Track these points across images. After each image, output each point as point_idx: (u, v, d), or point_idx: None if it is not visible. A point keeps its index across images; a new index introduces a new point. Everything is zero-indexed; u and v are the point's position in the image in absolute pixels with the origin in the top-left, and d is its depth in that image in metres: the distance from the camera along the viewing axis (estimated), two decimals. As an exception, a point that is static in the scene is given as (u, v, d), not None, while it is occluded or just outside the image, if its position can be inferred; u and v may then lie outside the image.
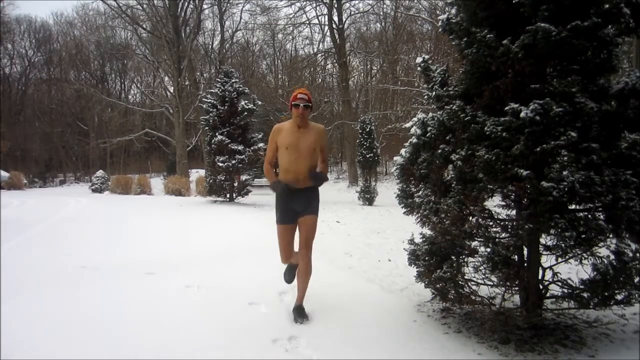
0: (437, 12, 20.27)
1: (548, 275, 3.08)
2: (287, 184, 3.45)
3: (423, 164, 3.28)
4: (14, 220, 9.46)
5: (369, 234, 7.88)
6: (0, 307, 3.62)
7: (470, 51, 2.91)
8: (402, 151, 3.47)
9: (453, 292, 3.19)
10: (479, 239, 3.13)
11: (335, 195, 18.86)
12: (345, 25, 25.09)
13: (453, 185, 3.00)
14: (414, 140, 3.36)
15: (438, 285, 3.26)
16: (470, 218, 3.02)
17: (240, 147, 13.18)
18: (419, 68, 3.55)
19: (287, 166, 3.49)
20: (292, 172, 3.47)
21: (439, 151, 3.09)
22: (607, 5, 2.71)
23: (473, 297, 3.17)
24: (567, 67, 2.77)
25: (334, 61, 26.17)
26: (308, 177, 3.48)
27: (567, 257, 2.90)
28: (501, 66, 2.80)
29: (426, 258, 3.33)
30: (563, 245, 2.80)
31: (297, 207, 3.51)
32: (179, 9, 25.61)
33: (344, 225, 9.08)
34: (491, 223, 3.05)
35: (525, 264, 3.01)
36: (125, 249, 6.35)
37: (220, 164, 12.89)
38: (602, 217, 2.78)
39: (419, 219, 3.33)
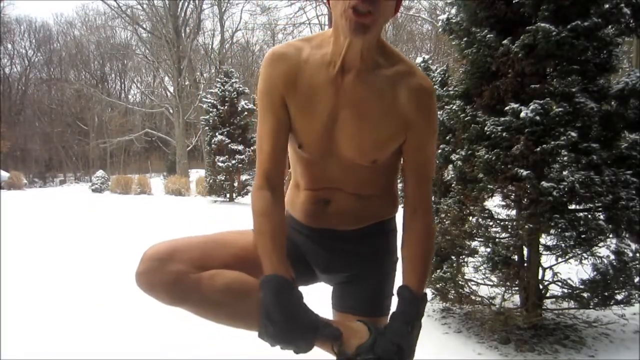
0: (437, 12, 20.29)
1: (548, 275, 3.08)
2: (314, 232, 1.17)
3: (423, 164, 3.27)
4: (14, 220, 9.46)
5: (369, 234, 7.87)
6: (0, 307, 3.62)
7: (470, 51, 2.91)
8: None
9: (453, 292, 3.19)
10: (479, 239, 3.13)
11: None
12: (346, 25, 25.10)
13: (453, 185, 3.00)
14: (414, 140, 3.36)
15: (438, 285, 3.26)
16: (470, 218, 3.03)
17: (240, 147, 13.19)
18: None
19: (308, 180, 1.16)
20: (313, 194, 1.16)
21: (439, 151, 3.09)
22: (607, 5, 2.72)
23: (473, 297, 3.17)
24: (567, 67, 2.77)
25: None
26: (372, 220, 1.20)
27: (567, 257, 2.91)
28: (501, 66, 2.80)
29: (426, 258, 3.33)
30: (563, 245, 2.81)
31: (321, 261, 1.20)
32: (179, 9, 25.61)
33: (344, 225, 9.05)
34: (491, 223, 3.05)
35: (525, 264, 3.01)
36: (124, 250, 6.35)
37: (220, 164, 12.90)
38: (602, 217, 2.79)
39: (419, 219, 3.33)
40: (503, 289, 3.06)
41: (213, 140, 13.15)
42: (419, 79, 1.05)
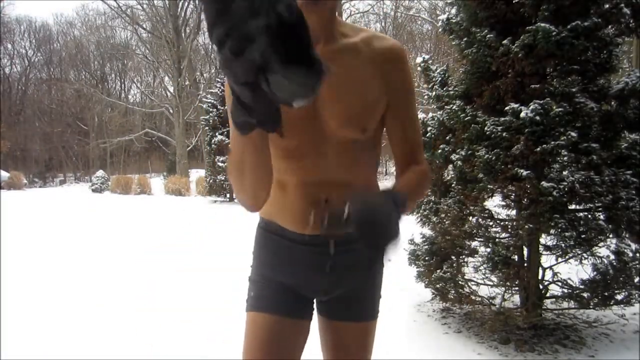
0: (437, 12, 20.28)
1: (548, 275, 3.08)
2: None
3: (423, 164, 3.28)
4: (14, 220, 9.46)
5: (369, 234, 7.86)
6: (0, 307, 3.63)
7: (470, 51, 2.91)
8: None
9: (453, 292, 3.19)
10: (479, 239, 3.13)
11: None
12: (346, 25, 25.09)
13: (453, 185, 3.00)
14: (414, 140, 3.36)
15: (438, 285, 3.26)
16: (470, 218, 3.03)
17: (240, 147, 13.21)
18: (419, 68, 3.55)
19: (283, 174, 1.05)
20: (308, 190, 1.05)
21: (439, 151, 3.09)
22: (607, 5, 2.72)
23: (473, 297, 3.17)
24: (567, 67, 2.77)
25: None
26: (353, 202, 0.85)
27: (567, 257, 2.91)
28: (501, 66, 2.80)
29: (426, 258, 3.33)
30: (563, 245, 2.81)
31: (316, 287, 1.15)
32: (179, 9, 25.61)
33: (344, 225, 9.04)
34: (491, 223, 3.05)
35: (525, 264, 3.01)
36: (124, 250, 6.35)
37: (220, 164, 12.90)
38: (602, 217, 2.79)
39: (419, 219, 3.33)
40: (503, 289, 3.06)
41: (213, 140, 13.15)
42: (388, 41, 1.07)
